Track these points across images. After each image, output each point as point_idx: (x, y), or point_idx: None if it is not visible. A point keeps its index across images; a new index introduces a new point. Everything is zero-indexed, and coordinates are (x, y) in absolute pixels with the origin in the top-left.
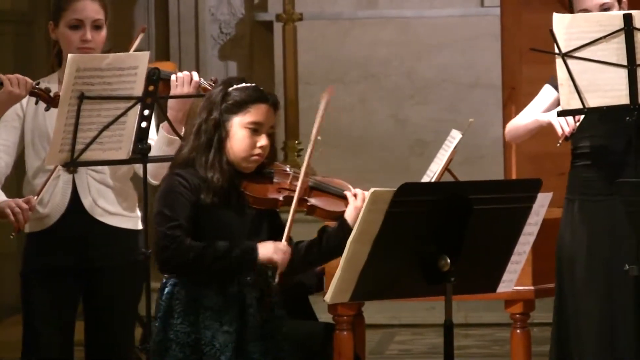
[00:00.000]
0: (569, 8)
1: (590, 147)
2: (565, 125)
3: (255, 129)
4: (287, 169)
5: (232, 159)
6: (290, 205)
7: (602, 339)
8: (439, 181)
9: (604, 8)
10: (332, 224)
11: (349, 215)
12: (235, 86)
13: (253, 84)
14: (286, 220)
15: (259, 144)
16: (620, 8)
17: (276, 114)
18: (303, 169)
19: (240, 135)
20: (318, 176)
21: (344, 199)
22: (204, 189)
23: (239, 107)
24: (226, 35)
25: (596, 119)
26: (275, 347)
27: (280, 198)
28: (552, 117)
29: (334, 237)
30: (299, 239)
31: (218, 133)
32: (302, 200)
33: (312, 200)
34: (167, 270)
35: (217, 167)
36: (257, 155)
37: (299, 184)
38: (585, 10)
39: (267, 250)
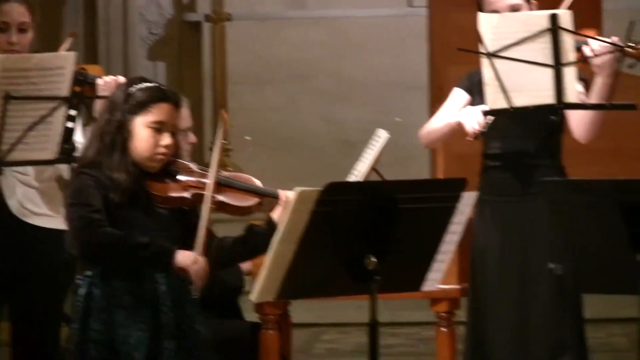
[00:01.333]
0: (478, 9)
1: (501, 147)
2: (474, 124)
3: (158, 128)
4: (192, 167)
5: (137, 159)
6: (199, 202)
7: (515, 342)
8: (364, 181)
9: (514, 9)
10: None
11: (276, 214)
12: (136, 86)
13: (155, 83)
14: (200, 222)
15: (162, 143)
16: (530, 9)
17: (179, 113)
18: (212, 166)
19: (143, 135)
20: (224, 172)
21: (253, 193)
22: (111, 188)
23: (141, 107)
24: (155, 36)
25: (509, 120)
26: (190, 345)
27: (188, 196)
28: (461, 117)
29: (260, 235)
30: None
31: (121, 134)
32: (214, 199)
33: (221, 197)
34: (86, 255)
35: (122, 167)
36: (162, 154)
37: (208, 181)
38: (495, 11)
39: (185, 259)
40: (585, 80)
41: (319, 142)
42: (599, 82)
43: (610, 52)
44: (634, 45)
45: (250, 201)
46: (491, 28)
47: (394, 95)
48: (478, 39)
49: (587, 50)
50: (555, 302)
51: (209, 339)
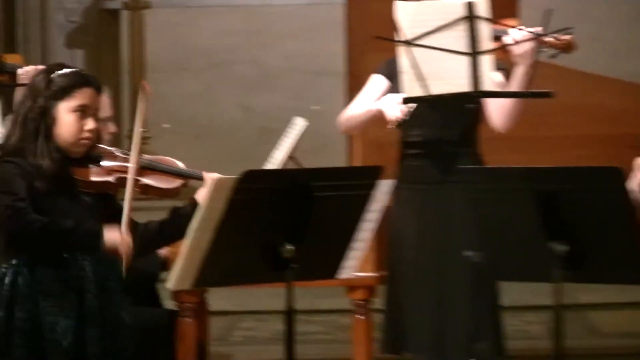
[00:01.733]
0: None
1: (420, 135)
2: (396, 112)
3: (82, 113)
4: (115, 151)
5: (61, 145)
6: (124, 186)
7: (432, 329)
8: (280, 168)
9: None
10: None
11: (201, 196)
12: (57, 72)
13: (75, 69)
14: (124, 204)
15: (87, 127)
16: None
17: (100, 98)
18: (133, 150)
19: (67, 120)
20: (147, 156)
21: (177, 176)
22: (36, 176)
23: (64, 92)
24: (73, 24)
25: (428, 108)
26: (113, 331)
27: (112, 180)
28: (381, 104)
29: (185, 216)
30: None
31: (44, 120)
32: (134, 180)
33: (145, 180)
34: (15, 243)
35: (46, 154)
36: (87, 138)
37: (130, 164)
38: None
39: (114, 238)
40: (506, 69)
41: (237, 130)
42: (519, 72)
43: (531, 40)
44: (556, 35)
45: (175, 183)
46: (408, 16)
47: (311, 82)
48: (395, 27)
49: (507, 39)
50: (472, 290)
51: (132, 325)
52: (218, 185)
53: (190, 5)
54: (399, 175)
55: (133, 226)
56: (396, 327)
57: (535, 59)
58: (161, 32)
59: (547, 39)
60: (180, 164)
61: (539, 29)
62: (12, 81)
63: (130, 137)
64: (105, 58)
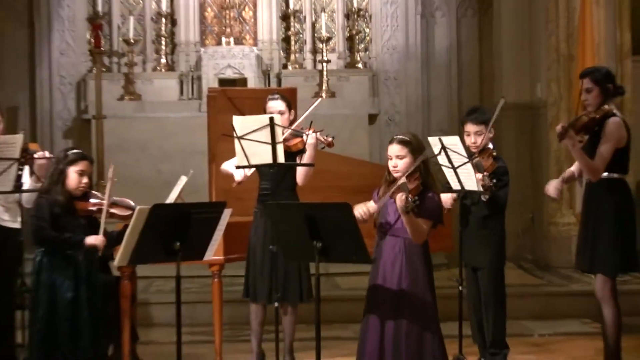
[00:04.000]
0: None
1: (264, 184)
2: (237, 176)
3: (81, 173)
4: (98, 194)
5: (69, 189)
6: (101, 214)
7: (267, 284)
8: (173, 203)
9: (281, 114)
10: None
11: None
12: (70, 152)
13: (79, 150)
14: (101, 222)
15: (83, 182)
16: (289, 113)
17: (91, 166)
18: (106, 194)
19: (73, 177)
20: (115, 197)
21: (128, 209)
22: (55, 205)
23: (73, 162)
24: (66, 126)
25: (265, 169)
26: (94, 286)
27: (94, 209)
28: (232, 170)
29: (123, 232)
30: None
31: (62, 176)
32: (107, 211)
33: (113, 210)
34: (37, 243)
35: (61, 194)
36: (83, 187)
37: (104, 201)
38: (271, 113)
39: (94, 240)
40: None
41: (153, 183)
42: (307, 154)
43: (316, 138)
44: (326, 137)
45: (127, 212)
46: (239, 123)
47: (191, 158)
48: (233, 128)
49: (304, 137)
50: (274, 263)
51: (101, 284)
52: (141, 212)
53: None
54: (256, 205)
55: (105, 233)
56: (248, 283)
57: (318, 149)
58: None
59: (322, 138)
60: (131, 202)
61: (318, 133)
62: (32, 157)
63: (104, 187)
64: (84, 145)
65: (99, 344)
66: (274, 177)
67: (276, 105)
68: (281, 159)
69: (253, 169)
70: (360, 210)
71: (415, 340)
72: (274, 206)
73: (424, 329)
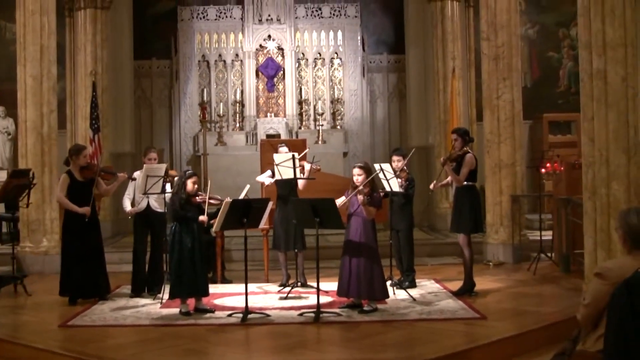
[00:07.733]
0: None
1: (279, 189)
2: (267, 182)
3: (193, 182)
4: (202, 193)
5: (187, 191)
6: (205, 204)
7: (285, 238)
8: (243, 198)
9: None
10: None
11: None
12: (187, 172)
13: (192, 171)
14: (205, 208)
15: (195, 187)
16: (289, 152)
17: (196, 179)
18: (207, 193)
19: (189, 184)
20: (211, 195)
21: (221, 201)
22: (180, 199)
23: (189, 177)
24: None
25: (281, 181)
26: (200, 242)
27: (201, 201)
28: (263, 178)
29: None
30: None
31: (184, 186)
32: (207, 202)
33: (210, 201)
34: (173, 219)
35: (183, 193)
36: (194, 190)
37: (206, 197)
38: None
39: (201, 217)
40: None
41: None
42: (305, 174)
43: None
44: (313, 163)
45: (218, 202)
46: (277, 156)
47: (253, 175)
48: (273, 160)
49: (306, 166)
50: (293, 229)
51: (205, 240)
52: (227, 203)
53: None
54: (276, 201)
55: (207, 214)
56: (276, 238)
57: (312, 171)
58: (211, 162)
59: (314, 166)
60: (220, 197)
61: (313, 164)
62: (172, 178)
63: (205, 190)
64: (196, 169)
65: (205, 273)
66: (287, 185)
67: (283, 149)
68: (301, 182)
69: (273, 179)
70: (339, 201)
71: (368, 269)
72: (296, 200)
73: (373, 263)
